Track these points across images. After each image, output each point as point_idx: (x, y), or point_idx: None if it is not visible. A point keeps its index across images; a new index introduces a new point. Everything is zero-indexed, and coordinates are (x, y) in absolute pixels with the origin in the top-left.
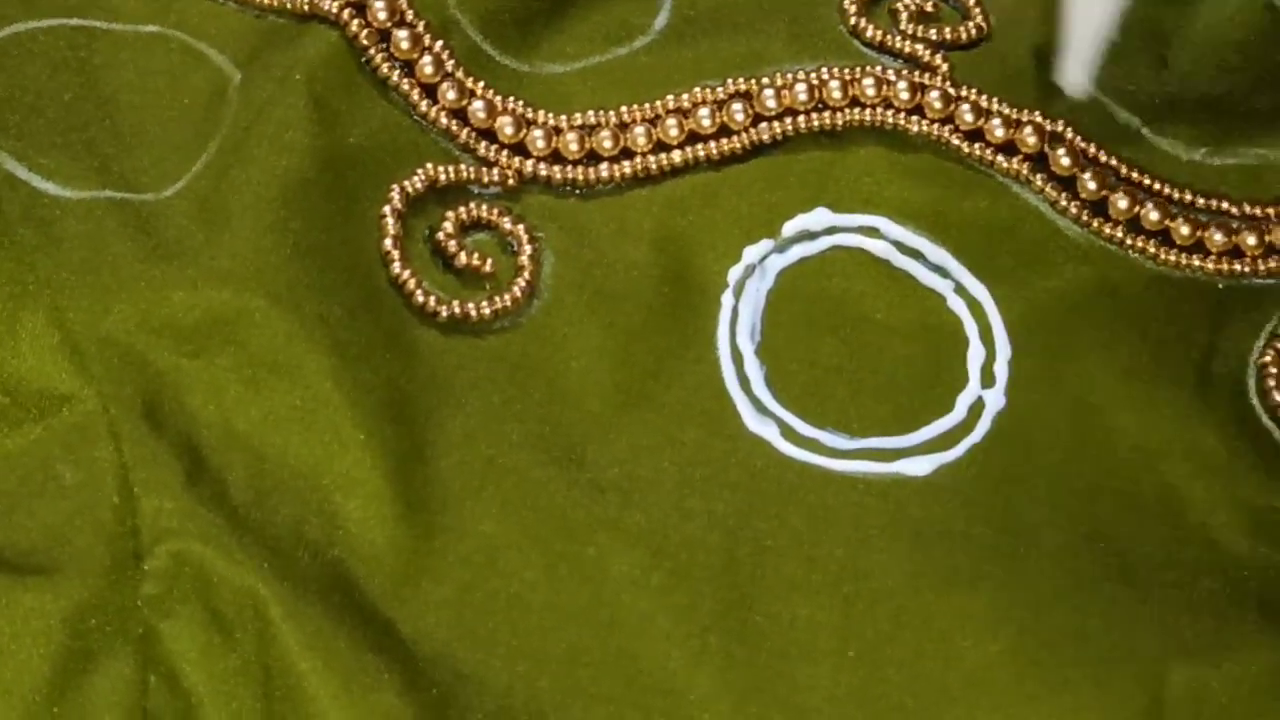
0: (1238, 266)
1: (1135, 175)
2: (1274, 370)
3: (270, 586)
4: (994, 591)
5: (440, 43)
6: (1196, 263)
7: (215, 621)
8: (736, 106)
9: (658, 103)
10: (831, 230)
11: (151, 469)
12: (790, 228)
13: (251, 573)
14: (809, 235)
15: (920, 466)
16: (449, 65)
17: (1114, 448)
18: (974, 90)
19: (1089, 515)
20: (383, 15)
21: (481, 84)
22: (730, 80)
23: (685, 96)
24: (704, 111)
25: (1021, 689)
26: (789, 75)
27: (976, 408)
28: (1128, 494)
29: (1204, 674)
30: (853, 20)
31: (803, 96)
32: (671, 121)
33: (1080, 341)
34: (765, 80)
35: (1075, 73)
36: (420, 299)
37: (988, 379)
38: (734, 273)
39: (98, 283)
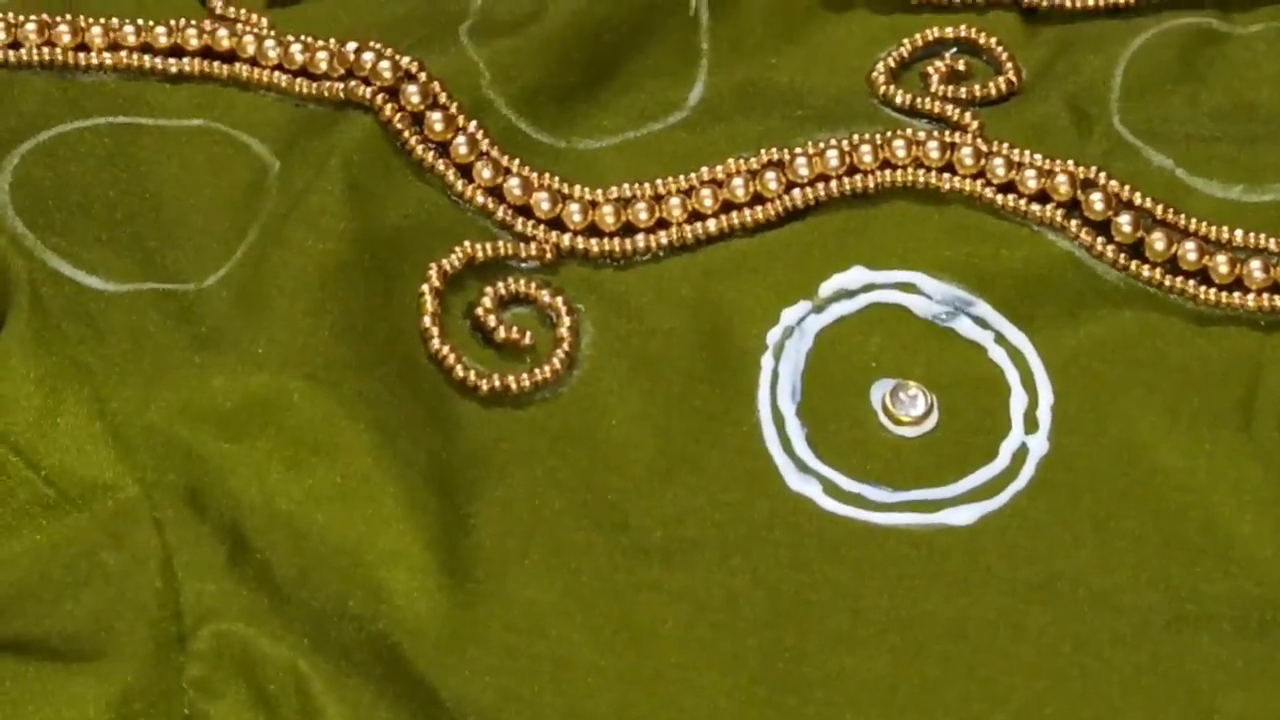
0: (1279, 301)
1: (1171, 216)
2: None
3: (311, 661)
4: (1039, 633)
5: (474, 123)
6: (1237, 300)
7: (260, 700)
8: (770, 175)
9: (692, 175)
10: (869, 288)
11: (194, 552)
12: (827, 288)
13: (293, 648)
14: (847, 294)
15: (964, 515)
16: (484, 144)
17: (1159, 487)
18: (1005, 144)
19: (1136, 555)
20: (416, 99)
21: (517, 161)
22: (764, 151)
23: (719, 168)
24: (738, 181)
25: None
26: (820, 144)
27: (1020, 454)
28: (1175, 532)
29: (1255, 702)
30: (882, 90)
31: (834, 162)
32: (706, 192)
33: (1122, 383)
34: (797, 150)
35: None
36: (460, 373)
37: (1031, 425)
38: (772, 335)
39: (140, 372)
